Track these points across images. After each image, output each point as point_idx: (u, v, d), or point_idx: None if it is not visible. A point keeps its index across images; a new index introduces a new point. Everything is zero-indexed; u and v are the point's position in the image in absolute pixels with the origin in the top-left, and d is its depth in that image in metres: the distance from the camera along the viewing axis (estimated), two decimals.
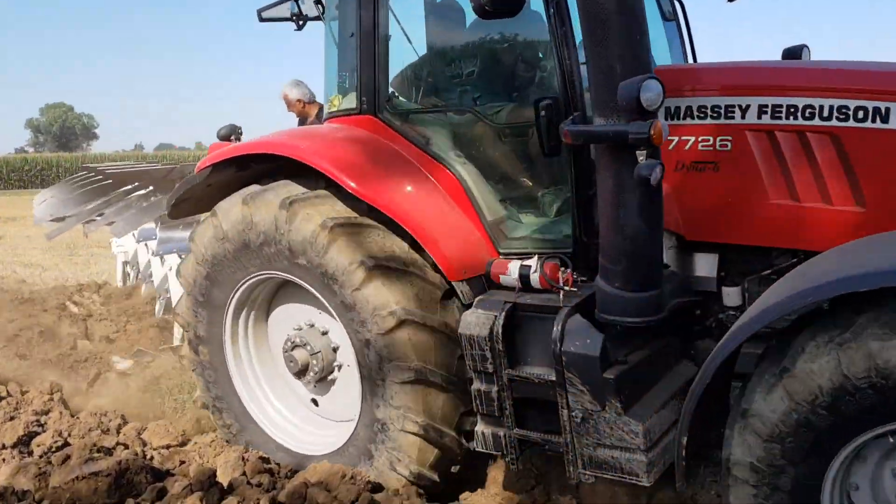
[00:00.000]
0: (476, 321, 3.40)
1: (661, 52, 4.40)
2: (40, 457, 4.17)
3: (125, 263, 8.88)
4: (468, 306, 3.54)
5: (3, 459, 4.26)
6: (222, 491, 3.53)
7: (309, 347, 3.98)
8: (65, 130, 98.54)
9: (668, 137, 3.29)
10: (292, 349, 4.04)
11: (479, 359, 3.40)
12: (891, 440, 2.31)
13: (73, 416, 4.98)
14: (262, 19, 5.03)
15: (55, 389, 5.39)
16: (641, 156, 2.79)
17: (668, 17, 4.69)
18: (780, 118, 3.22)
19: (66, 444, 4.45)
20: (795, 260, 3.31)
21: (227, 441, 4.43)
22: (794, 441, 2.39)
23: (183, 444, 4.65)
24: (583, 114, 3.32)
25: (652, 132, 2.69)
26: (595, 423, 3.15)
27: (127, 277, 8.92)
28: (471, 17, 4.11)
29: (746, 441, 2.51)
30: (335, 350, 4.02)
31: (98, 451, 4.13)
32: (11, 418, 4.83)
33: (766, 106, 3.24)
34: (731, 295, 3.49)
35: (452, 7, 4.32)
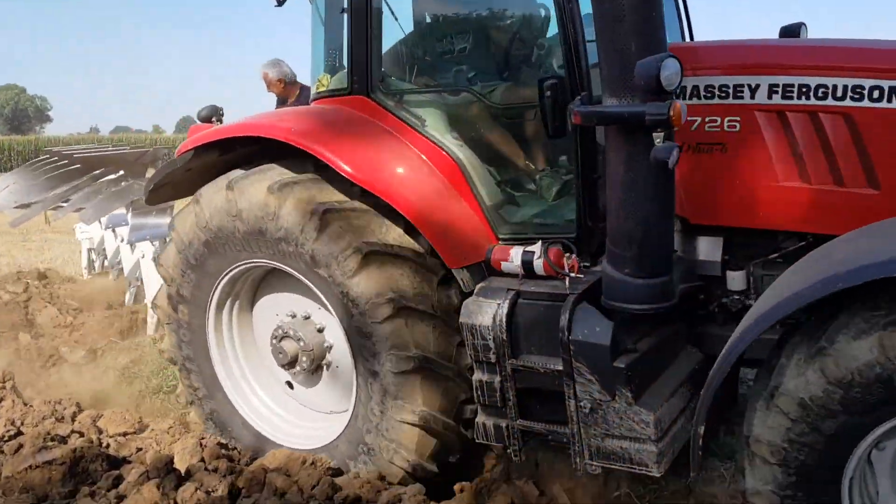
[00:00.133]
0: (478, 310, 3.28)
1: None
2: None
3: (90, 251, 8.57)
4: (468, 294, 3.41)
5: None
6: (180, 477, 3.45)
7: (298, 338, 3.82)
8: (17, 113, 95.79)
9: None
10: (280, 340, 3.88)
11: (482, 348, 3.28)
12: None
13: (25, 404, 4.83)
14: None
15: (7, 378, 5.20)
16: (658, 138, 2.68)
17: None
18: (791, 98, 3.13)
19: (20, 433, 4.32)
20: (804, 243, 3.25)
21: (190, 403, 4.29)
22: (822, 422, 2.32)
23: (139, 431, 4.54)
24: (589, 94, 3.20)
25: (671, 113, 2.59)
26: (604, 413, 3.06)
27: (93, 265, 8.62)
28: None
29: (772, 420, 2.44)
30: (325, 339, 3.88)
31: (52, 439, 4.02)
32: None
33: (777, 85, 3.15)
34: (735, 279, 3.41)
35: None
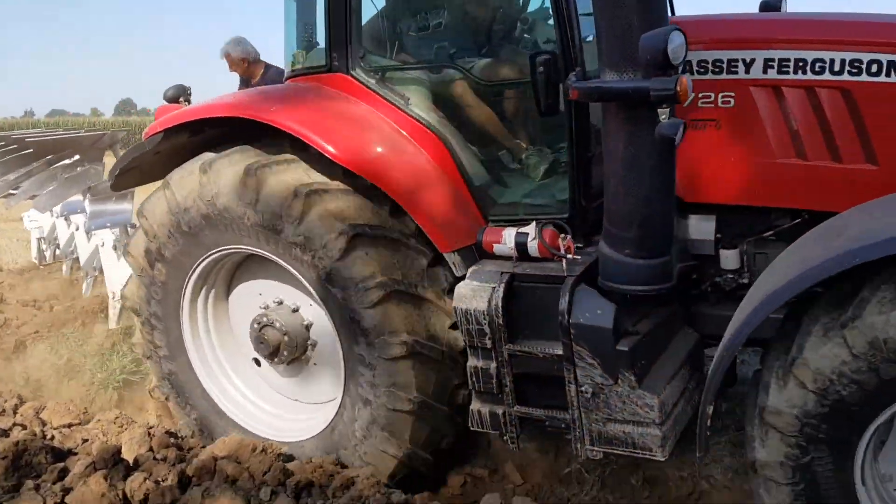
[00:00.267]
0: (472, 294, 3.17)
1: None
2: None
3: (40, 240, 8.19)
4: (460, 278, 3.30)
5: None
6: (128, 468, 3.40)
7: (279, 327, 3.67)
8: None
9: None
10: (261, 330, 3.72)
11: (477, 334, 3.18)
12: None
13: None
14: None
15: None
16: (664, 114, 2.60)
17: None
18: (787, 73, 3.07)
19: None
20: (798, 220, 3.21)
21: (147, 357, 4.11)
22: (844, 393, 2.28)
23: (85, 422, 4.42)
24: (583, 69, 3.10)
25: (678, 88, 2.50)
26: (606, 397, 2.99)
27: (43, 256, 8.24)
28: None
29: (789, 392, 2.39)
30: (308, 328, 3.74)
31: None
32: None
33: (773, 60, 3.09)
34: (729, 258, 3.36)
35: None
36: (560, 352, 3.02)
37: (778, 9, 4.08)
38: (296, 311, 3.74)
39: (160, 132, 3.69)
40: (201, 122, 3.63)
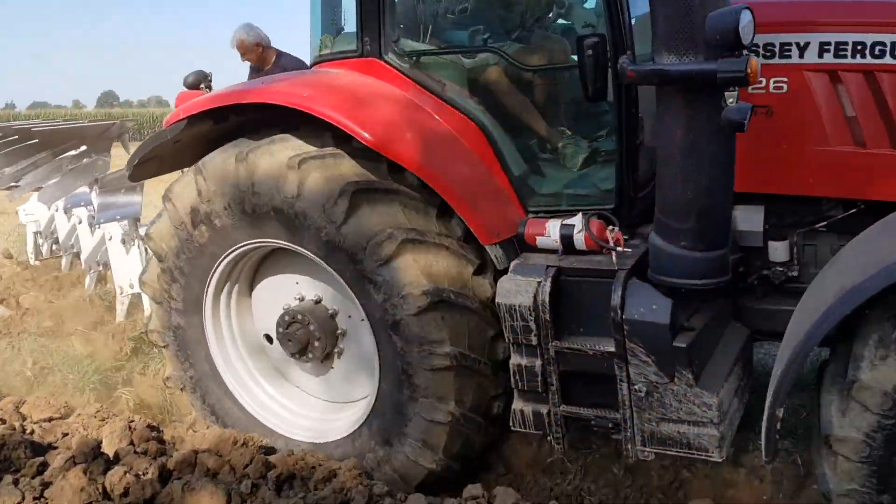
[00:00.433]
0: (516, 288, 3.03)
1: None
2: None
3: (37, 234, 7.97)
4: (502, 272, 3.16)
5: None
6: (108, 462, 3.29)
7: (310, 324, 3.52)
8: None
9: None
10: (289, 326, 3.57)
11: (522, 330, 3.04)
12: None
13: None
14: None
15: None
16: (731, 97, 2.47)
17: None
18: (844, 57, 2.95)
19: None
20: (854, 210, 3.10)
21: (157, 302, 3.94)
22: None
23: (65, 416, 4.27)
24: (632, 52, 2.97)
25: (748, 70, 2.37)
26: (661, 396, 2.86)
27: (40, 250, 8.01)
28: None
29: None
30: (337, 326, 3.60)
31: None
32: None
33: (829, 43, 2.96)
34: (778, 250, 3.24)
35: None
36: (611, 349, 2.89)
37: None
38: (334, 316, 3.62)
39: (183, 119, 3.52)
40: (225, 109, 3.47)
